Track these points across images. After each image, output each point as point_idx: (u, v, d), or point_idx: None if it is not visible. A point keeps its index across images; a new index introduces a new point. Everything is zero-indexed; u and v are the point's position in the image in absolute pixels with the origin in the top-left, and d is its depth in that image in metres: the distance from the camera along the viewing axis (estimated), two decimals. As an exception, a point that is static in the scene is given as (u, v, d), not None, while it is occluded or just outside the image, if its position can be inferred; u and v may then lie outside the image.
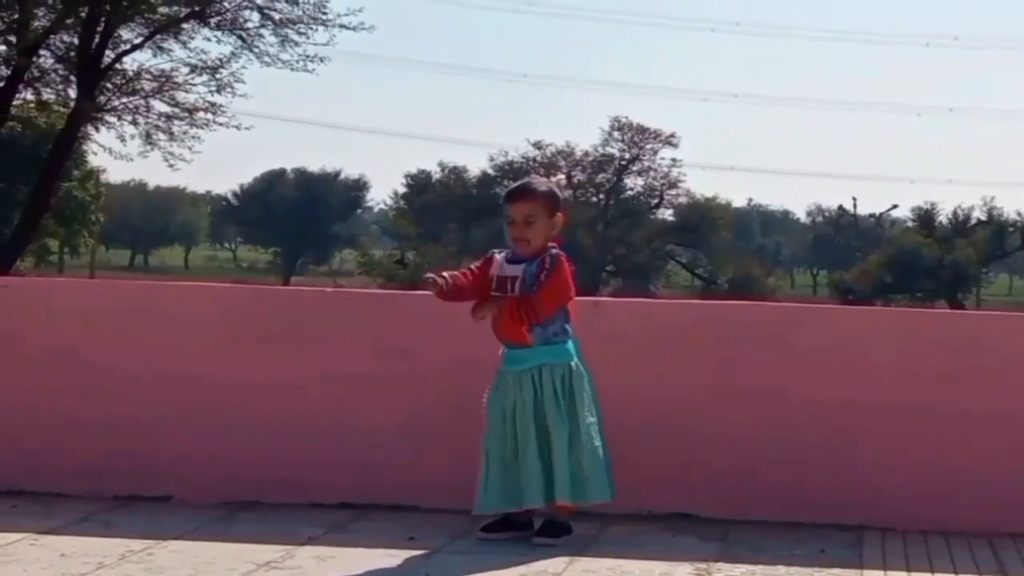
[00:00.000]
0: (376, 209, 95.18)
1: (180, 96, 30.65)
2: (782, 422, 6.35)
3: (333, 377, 6.53)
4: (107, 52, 29.26)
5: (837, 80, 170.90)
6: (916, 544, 5.99)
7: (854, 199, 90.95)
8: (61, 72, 30.02)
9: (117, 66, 29.97)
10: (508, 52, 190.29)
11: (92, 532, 5.87)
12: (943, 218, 67.07)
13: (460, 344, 6.26)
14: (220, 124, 30.97)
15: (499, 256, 5.99)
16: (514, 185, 6.21)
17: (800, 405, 6.35)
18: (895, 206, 78.31)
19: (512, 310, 5.82)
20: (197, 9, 29.31)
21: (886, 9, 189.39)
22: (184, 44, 30.06)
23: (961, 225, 66.15)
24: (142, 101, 30.51)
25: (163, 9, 29.23)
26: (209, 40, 30.59)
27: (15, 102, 30.48)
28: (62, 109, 31.46)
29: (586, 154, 63.03)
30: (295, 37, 30.15)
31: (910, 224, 68.80)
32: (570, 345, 5.90)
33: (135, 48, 29.79)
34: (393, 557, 5.57)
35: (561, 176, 56.64)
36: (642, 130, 63.03)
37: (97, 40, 28.77)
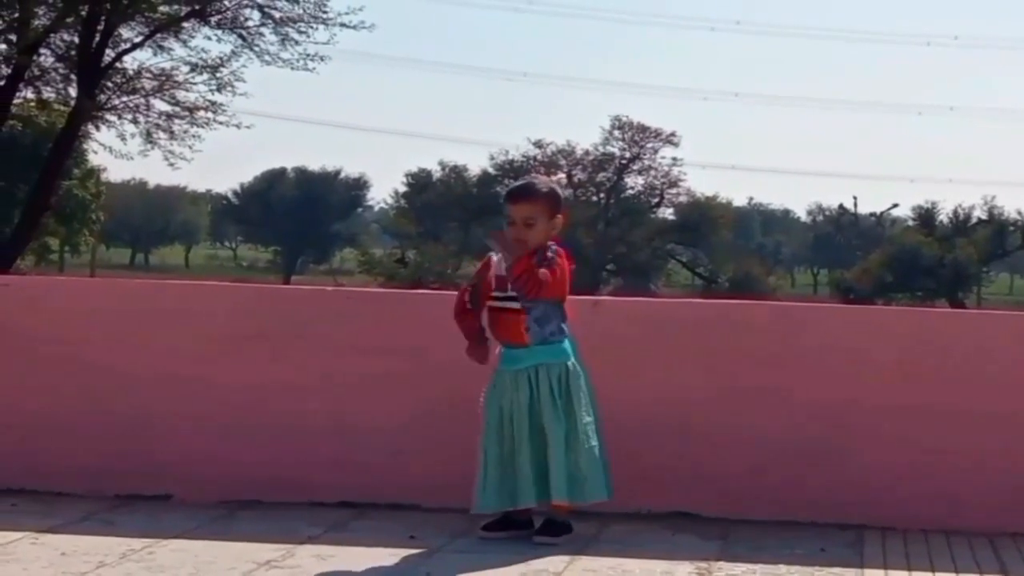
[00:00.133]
0: (376, 208, 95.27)
1: (180, 95, 30.68)
2: (783, 421, 6.35)
3: (333, 376, 6.53)
4: (107, 51, 29.27)
5: (838, 79, 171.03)
6: (917, 543, 5.99)
7: (855, 198, 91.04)
8: (61, 71, 30.03)
9: (117, 65, 29.98)
10: (508, 51, 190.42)
11: (93, 531, 5.87)
12: (944, 217, 67.10)
13: (460, 343, 6.25)
14: (220, 123, 31.00)
15: (496, 257, 5.99)
16: (515, 185, 6.20)
17: (801, 404, 6.35)
18: (896, 205, 78.39)
19: (524, 264, 5.77)
20: (197, 8, 29.31)
21: (887, 8, 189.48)
22: (184, 43, 30.09)
23: (962, 224, 66.15)
24: (142, 100, 30.53)
25: (163, 8, 29.23)
26: (209, 39, 30.64)
27: (15, 101, 30.48)
28: (62, 108, 31.47)
29: (586, 153, 63.07)
30: (295, 36, 30.17)
31: (911, 223, 68.80)
32: (567, 344, 5.90)
33: (135, 47, 29.80)
34: (393, 556, 5.57)
35: (562, 175, 56.56)
36: (643, 129, 63.06)
37: (97, 39, 28.77)
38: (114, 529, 5.91)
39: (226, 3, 29.77)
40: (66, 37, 29.50)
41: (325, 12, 30.15)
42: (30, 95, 31.14)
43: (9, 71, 29.15)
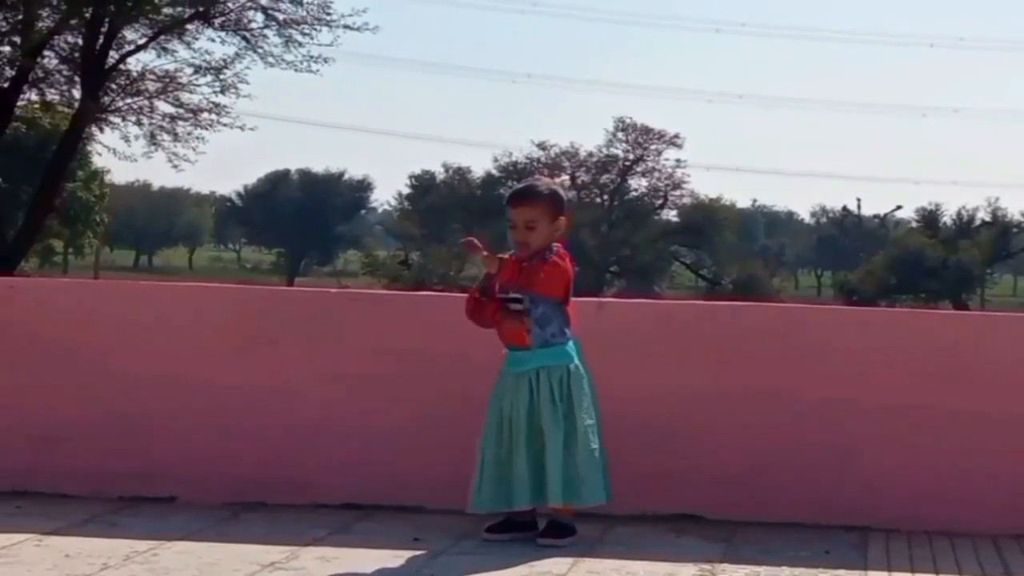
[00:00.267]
0: (380, 210, 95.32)
1: (184, 97, 30.68)
2: (787, 423, 6.35)
3: (338, 378, 6.54)
4: (111, 53, 29.28)
5: (842, 81, 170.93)
6: (920, 545, 5.99)
7: (858, 200, 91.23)
8: (65, 73, 30.03)
9: (121, 67, 29.98)
10: (512, 53, 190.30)
11: (97, 533, 5.87)
12: (947, 219, 67.15)
13: (464, 345, 6.26)
14: (224, 125, 31.00)
15: (506, 257, 5.98)
16: (517, 187, 6.20)
17: (804, 406, 6.35)
18: (899, 207, 78.63)
19: (514, 266, 5.80)
20: (201, 10, 29.31)
21: (891, 10, 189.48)
22: (188, 45, 30.10)
23: (965, 226, 66.17)
24: (146, 102, 30.53)
25: (167, 10, 29.24)
26: (213, 41, 30.62)
27: (20, 103, 30.50)
28: (66, 110, 31.49)
29: (590, 155, 63.10)
30: (299, 38, 30.16)
31: (914, 225, 68.84)
32: (570, 347, 5.89)
33: (139, 49, 29.81)
34: (398, 558, 5.57)
35: (565, 177, 56.59)
36: (646, 131, 63.08)
37: (101, 41, 28.78)
38: (118, 531, 5.91)
39: (230, 5, 29.79)
40: (70, 39, 29.51)
41: (329, 14, 30.17)
42: (34, 97, 31.16)
43: (13, 73, 29.15)
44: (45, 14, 28.61)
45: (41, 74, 29.82)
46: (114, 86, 30.07)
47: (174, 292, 7.00)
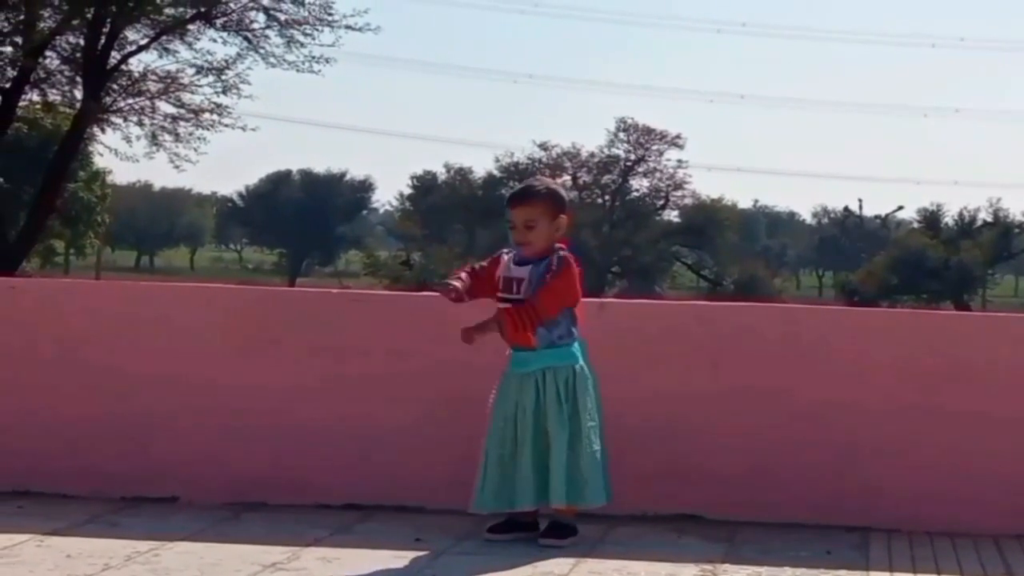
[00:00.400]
0: (382, 210, 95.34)
1: (186, 97, 30.70)
2: (788, 423, 6.34)
3: (339, 378, 6.54)
4: (113, 53, 29.29)
5: (843, 81, 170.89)
6: (922, 546, 5.99)
7: (860, 200, 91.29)
8: (67, 73, 30.05)
9: (123, 67, 30.00)
10: (514, 53, 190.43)
11: (98, 533, 5.87)
12: (949, 219, 67.11)
13: (465, 345, 6.25)
14: (226, 125, 31.02)
15: (507, 257, 5.98)
16: (515, 189, 6.21)
17: (806, 407, 6.34)
18: (901, 207, 78.63)
19: (513, 321, 5.81)
20: (203, 10, 29.33)
21: (892, 10, 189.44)
22: (190, 45, 30.12)
23: (967, 226, 66.14)
24: (148, 102, 30.54)
25: (169, 10, 29.26)
26: (215, 41, 30.65)
27: (21, 103, 30.51)
28: (68, 110, 31.51)
29: (592, 155, 63.10)
30: (301, 38, 30.19)
31: (916, 225, 68.81)
32: (575, 347, 5.89)
33: (141, 49, 29.84)
34: (399, 558, 5.57)
35: (567, 177, 56.48)
36: (648, 131, 63.08)
37: (103, 41, 28.79)
38: (119, 531, 5.91)
39: (231, 5, 29.81)
40: (71, 39, 29.53)
41: (330, 14, 30.20)
42: (36, 97, 31.18)
43: (15, 73, 29.18)
44: (47, 14, 28.63)
45: (43, 74, 29.84)
46: (116, 86, 30.09)
47: (175, 292, 7.00)
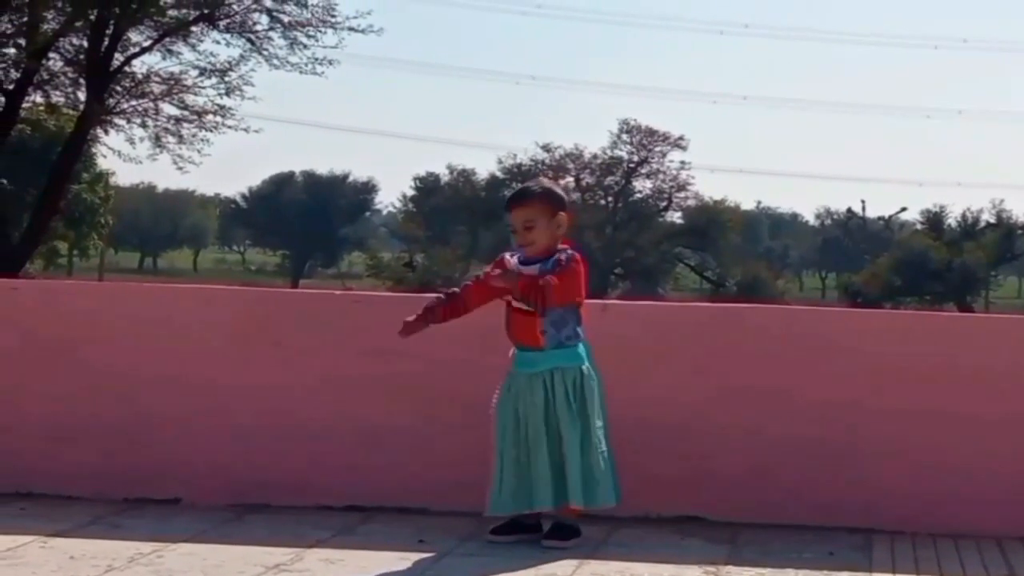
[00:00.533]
0: (385, 212, 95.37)
1: (189, 99, 30.70)
2: (791, 424, 6.34)
3: (342, 379, 6.54)
4: (116, 55, 29.29)
5: (846, 82, 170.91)
6: (925, 547, 5.99)
7: (863, 202, 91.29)
8: (70, 75, 30.05)
9: (126, 69, 30.00)
10: (517, 54, 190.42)
11: (101, 535, 5.87)
12: (952, 221, 67.03)
13: (468, 347, 6.26)
14: (229, 127, 31.03)
15: (510, 258, 5.98)
16: (512, 192, 6.23)
17: (809, 407, 6.34)
18: (904, 209, 78.36)
19: (524, 285, 5.80)
20: (206, 12, 29.34)
21: (895, 11, 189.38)
22: (193, 47, 30.13)
23: (970, 228, 66.08)
24: (151, 104, 30.55)
25: (172, 12, 29.27)
26: (218, 43, 30.65)
27: (25, 105, 30.52)
28: (71, 112, 31.51)
29: (595, 157, 63.03)
30: (304, 40, 30.19)
31: (919, 227, 68.74)
32: (581, 349, 5.90)
33: (144, 51, 29.84)
34: (402, 560, 5.57)
35: (569, 178, 56.41)
36: (651, 132, 63.02)
37: (106, 43, 28.80)
38: (122, 533, 5.92)
39: (235, 7, 29.81)
40: (75, 41, 29.54)
41: (333, 16, 30.20)
42: (39, 99, 31.18)
43: (18, 75, 29.18)
44: (50, 16, 28.64)
45: (46, 76, 29.84)
46: (119, 88, 30.10)
47: (178, 293, 7.01)
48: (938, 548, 5.98)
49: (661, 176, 63.92)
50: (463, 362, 6.36)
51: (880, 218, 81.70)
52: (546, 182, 6.28)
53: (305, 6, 29.86)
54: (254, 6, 29.81)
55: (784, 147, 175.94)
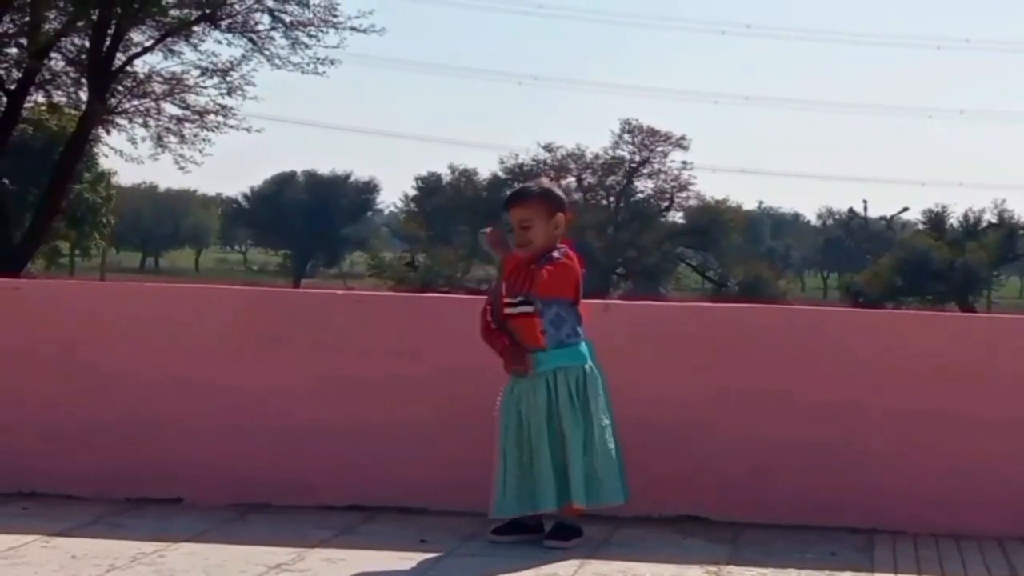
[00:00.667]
0: (386, 212, 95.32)
1: (191, 99, 30.67)
2: (793, 424, 6.34)
3: (343, 380, 6.54)
4: (118, 55, 29.27)
5: (848, 82, 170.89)
6: (927, 547, 5.99)
7: (864, 202, 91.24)
8: (72, 75, 30.04)
9: (128, 69, 29.98)
10: (518, 54, 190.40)
11: (103, 534, 5.88)
12: (954, 221, 66.97)
13: (469, 347, 6.26)
14: (231, 126, 31.00)
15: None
16: (511, 191, 6.24)
17: (811, 408, 6.34)
18: (906, 209, 78.25)
19: (512, 267, 5.82)
20: (208, 12, 29.32)
21: (897, 11, 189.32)
22: (195, 47, 30.10)
23: (972, 228, 66.03)
24: (153, 104, 30.53)
25: (174, 12, 29.24)
26: (220, 43, 30.62)
27: (27, 105, 30.51)
28: (73, 112, 31.50)
29: (596, 157, 62.99)
30: (306, 40, 30.16)
31: (921, 227, 68.67)
32: (583, 347, 5.90)
33: (146, 51, 29.81)
34: (404, 560, 5.57)
35: (571, 178, 56.31)
36: (652, 132, 62.98)
37: (108, 43, 28.78)
38: (124, 532, 5.92)
39: (236, 7, 29.79)
40: (77, 41, 29.52)
41: (335, 16, 30.16)
42: (41, 99, 31.17)
43: (20, 75, 29.17)
44: (52, 16, 28.62)
45: (48, 76, 29.83)
46: (121, 88, 30.09)
47: (180, 294, 7.01)
48: (940, 548, 5.98)
49: (663, 176, 63.90)
50: (465, 363, 6.35)
51: (882, 218, 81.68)
52: (545, 182, 6.29)
53: (307, 6, 29.86)
54: (256, 6, 29.80)
55: (786, 147, 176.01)
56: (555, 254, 5.90)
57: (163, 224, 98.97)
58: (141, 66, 30.40)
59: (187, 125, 30.80)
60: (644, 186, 64.52)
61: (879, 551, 5.92)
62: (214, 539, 5.85)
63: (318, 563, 5.51)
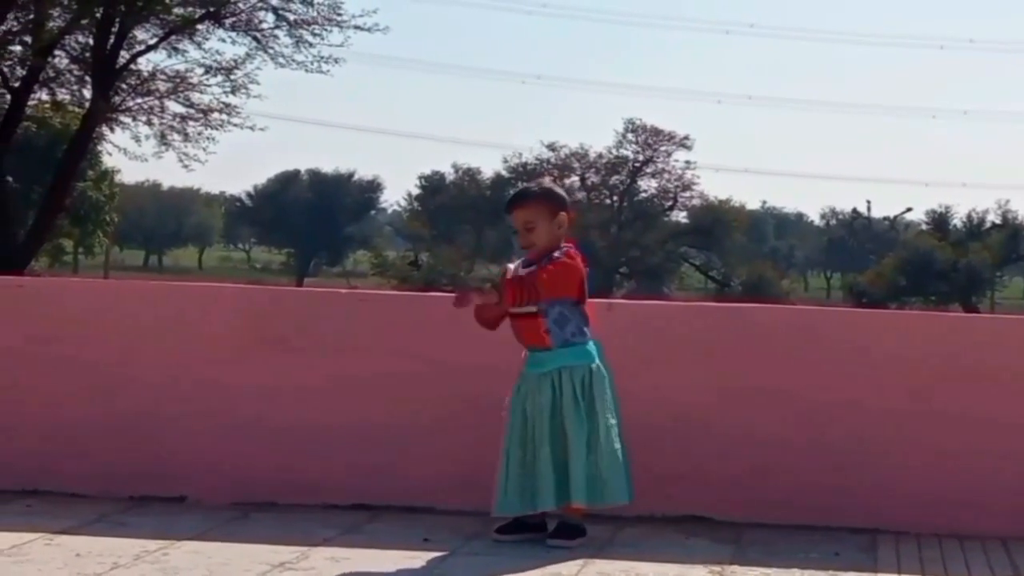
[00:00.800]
0: (390, 210, 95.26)
1: (195, 97, 30.66)
2: (796, 425, 6.34)
3: (347, 378, 6.54)
4: (122, 53, 29.28)
5: (852, 82, 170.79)
6: (930, 548, 5.99)
7: (868, 202, 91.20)
8: (76, 72, 30.04)
9: (132, 67, 29.98)
10: (522, 54, 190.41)
11: (107, 532, 5.88)
12: (957, 221, 66.97)
13: (473, 346, 6.26)
14: (234, 125, 30.97)
15: (512, 265, 6.04)
16: (512, 193, 6.25)
17: (814, 408, 6.34)
18: (909, 209, 78.47)
19: (512, 290, 5.82)
20: (212, 10, 29.32)
21: (901, 11, 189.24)
22: (199, 45, 30.09)
23: (975, 228, 66.01)
24: (157, 102, 30.52)
25: (178, 10, 29.24)
26: (224, 41, 30.59)
27: (30, 102, 30.52)
28: (77, 109, 31.50)
29: (600, 156, 63.03)
30: (310, 38, 30.14)
31: (924, 227, 68.66)
32: (590, 347, 5.90)
33: (150, 49, 29.81)
34: (408, 559, 5.57)
35: (575, 178, 56.30)
36: (656, 132, 63.02)
37: (112, 41, 28.79)
38: (128, 531, 5.92)
39: (240, 5, 29.78)
40: (81, 39, 29.52)
41: (339, 15, 30.14)
42: (45, 97, 31.17)
43: (24, 73, 29.17)
44: (56, 14, 28.62)
45: (52, 74, 29.83)
46: (125, 86, 30.08)
47: (184, 292, 7.01)
48: (943, 549, 5.98)
49: (666, 175, 63.96)
50: (469, 362, 6.36)
51: (885, 218, 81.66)
52: (546, 182, 6.29)
53: (311, 4, 29.84)
54: (260, 4, 29.79)
55: (789, 147, 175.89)
56: (555, 254, 5.90)
57: (166, 222, 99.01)
58: (145, 64, 30.42)
59: (191, 123, 30.81)
60: (648, 185, 64.62)
61: (882, 551, 5.92)
62: (218, 537, 5.85)
63: (322, 562, 5.51)
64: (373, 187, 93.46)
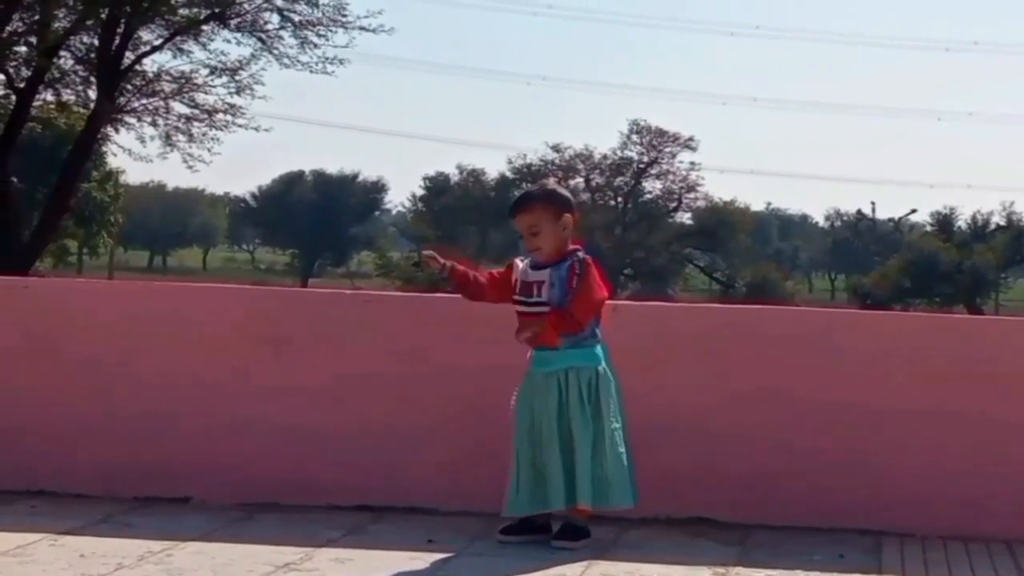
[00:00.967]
0: (394, 211, 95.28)
1: (199, 98, 30.70)
2: (801, 426, 6.34)
3: (351, 379, 6.54)
4: (127, 54, 29.32)
5: (856, 84, 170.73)
6: (935, 550, 5.98)
7: (873, 203, 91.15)
8: (81, 73, 30.08)
9: (137, 68, 30.02)
10: (527, 54, 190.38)
11: (111, 533, 5.88)
12: (962, 223, 66.95)
13: (477, 347, 6.27)
14: (239, 126, 31.02)
15: (521, 262, 6.00)
16: (515, 198, 6.23)
17: (819, 410, 6.34)
18: (914, 210, 78.26)
19: (555, 324, 5.80)
20: (217, 11, 29.35)
21: (906, 13, 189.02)
22: (204, 46, 30.13)
23: (980, 230, 65.97)
24: (162, 103, 30.55)
25: (183, 11, 29.28)
26: (229, 42, 30.70)
27: (35, 103, 30.55)
28: (82, 110, 31.54)
29: (604, 157, 63.03)
30: (314, 39, 30.17)
31: (929, 229, 68.64)
32: (599, 349, 5.89)
33: (155, 50, 29.86)
34: (412, 559, 5.57)
35: (579, 179, 56.25)
36: (661, 133, 63.01)
37: (117, 42, 28.82)
38: (132, 531, 5.92)
39: (245, 6, 29.81)
40: (86, 39, 29.56)
41: (344, 16, 30.18)
42: (50, 97, 31.20)
43: (29, 73, 29.20)
44: (61, 14, 28.66)
45: (57, 74, 29.86)
46: (130, 87, 30.12)
47: (188, 293, 7.02)
48: (948, 551, 5.97)
49: (671, 177, 63.94)
50: (473, 363, 6.36)
51: (890, 220, 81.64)
52: (549, 184, 6.25)
53: (316, 5, 29.87)
54: (265, 5, 29.83)
55: (794, 148, 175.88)
56: (576, 267, 5.82)
57: (171, 223, 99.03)
58: (150, 65, 30.47)
59: (196, 124, 30.84)
60: (652, 187, 64.61)
61: (887, 553, 5.91)
62: (222, 538, 5.85)
63: (326, 563, 5.51)
64: (377, 188, 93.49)
